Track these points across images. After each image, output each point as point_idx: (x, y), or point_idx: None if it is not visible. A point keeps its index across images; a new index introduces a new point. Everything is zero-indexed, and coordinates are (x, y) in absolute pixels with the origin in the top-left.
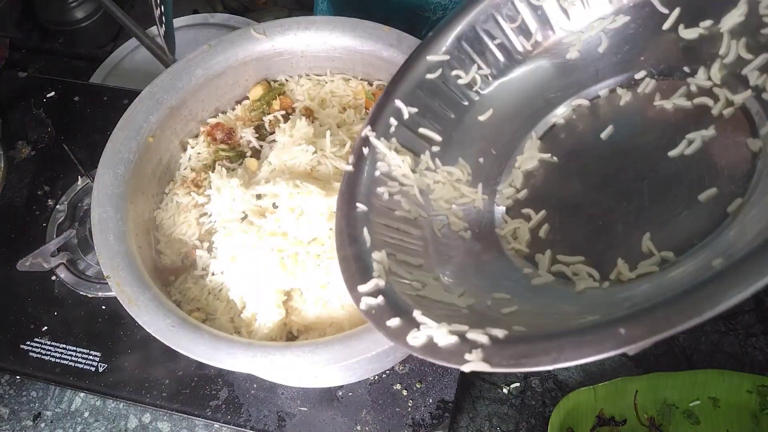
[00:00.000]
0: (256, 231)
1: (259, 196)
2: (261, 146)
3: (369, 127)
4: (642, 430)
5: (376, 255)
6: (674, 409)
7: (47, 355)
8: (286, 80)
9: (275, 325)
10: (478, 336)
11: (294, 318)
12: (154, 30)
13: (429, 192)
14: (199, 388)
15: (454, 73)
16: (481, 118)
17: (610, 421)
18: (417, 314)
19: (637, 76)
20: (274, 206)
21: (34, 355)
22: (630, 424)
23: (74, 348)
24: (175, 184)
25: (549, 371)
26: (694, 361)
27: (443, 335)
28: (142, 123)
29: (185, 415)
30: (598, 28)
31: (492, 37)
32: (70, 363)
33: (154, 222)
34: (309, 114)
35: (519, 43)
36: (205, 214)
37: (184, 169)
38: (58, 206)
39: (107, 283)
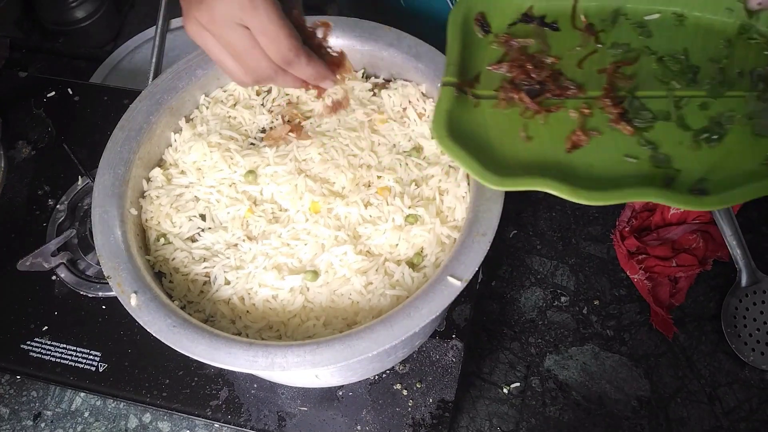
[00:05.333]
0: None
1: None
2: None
3: None
4: (572, 36)
5: None
6: (623, 18)
7: (47, 354)
8: None
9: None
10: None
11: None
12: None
13: None
14: (199, 388)
15: None
16: None
17: (537, 20)
18: None
19: None
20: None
21: (34, 355)
22: (561, 27)
23: (74, 348)
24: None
25: (549, 372)
26: (695, 361)
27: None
28: (142, 123)
29: (185, 415)
30: None
31: None
32: (71, 363)
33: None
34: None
35: None
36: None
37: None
38: (58, 206)
39: (107, 283)
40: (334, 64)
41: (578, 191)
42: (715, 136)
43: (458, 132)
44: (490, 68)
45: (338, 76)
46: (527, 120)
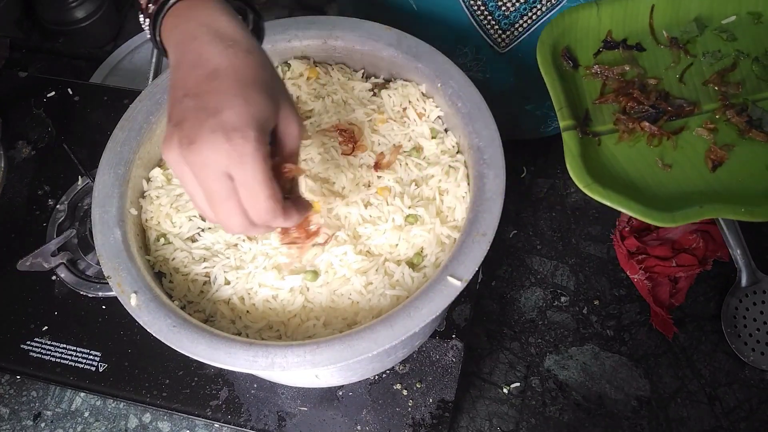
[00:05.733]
0: None
1: None
2: None
3: None
4: (661, 53)
5: None
6: (703, 26)
7: (47, 354)
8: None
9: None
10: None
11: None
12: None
13: None
14: (199, 388)
15: None
16: None
17: (621, 44)
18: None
19: None
20: None
21: (34, 355)
22: (646, 46)
23: (74, 348)
24: None
25: (549, 372)
26: (695, 361)
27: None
28: (142, 123)
29: (185, 415)
30: None
31: None
32: (70, 363)
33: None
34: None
35: None
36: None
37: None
38: (58, 206)
39: (107, 283)
40: (303, 207)
41: (753, 210)
42: None
43: (598, 175)
44: (596, 102)
45: (307, 217)
46: (657, 148)
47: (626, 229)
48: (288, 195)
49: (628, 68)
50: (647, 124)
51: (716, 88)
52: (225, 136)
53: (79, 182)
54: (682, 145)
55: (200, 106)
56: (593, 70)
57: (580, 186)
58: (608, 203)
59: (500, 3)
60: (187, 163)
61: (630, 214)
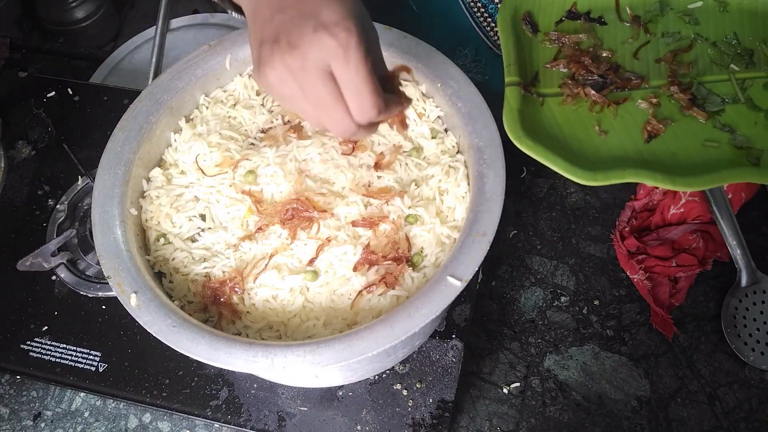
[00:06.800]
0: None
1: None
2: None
3: None
4: (621, 29)
5: None
6: (668, 8)
7: (47, 354)
8: None
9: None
10: None
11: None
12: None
13: None
14: (199, 388)
15: None
16: None
17: (584, 16)
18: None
19: None
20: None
21: (34, 355)
22: (608, 21)
23: (74, 348)
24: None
25: (549, 372)
26: (695, 361)
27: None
28: (142, 123)
29: (185, 415)
30: None
31: None
32: (70, 363)
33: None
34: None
35: None
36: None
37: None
38: (58, 206)
39: (107, 283)
40: (397, 102)
41: (674, 179)
42: None
43: (533, 132)
44: (548, 66)
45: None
46: (598, 114)
47: (626, 229)
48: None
49: (584, 37)
50: (592, 91)
51: (668, 65)
52: (328, 32)
53: (79, 182)
54: (623, 114)
55: (295, 15)
56: (551, 37)
57: (512, 138)
58: (535, 156)
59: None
60: (292, 73)
61: (554, 168)
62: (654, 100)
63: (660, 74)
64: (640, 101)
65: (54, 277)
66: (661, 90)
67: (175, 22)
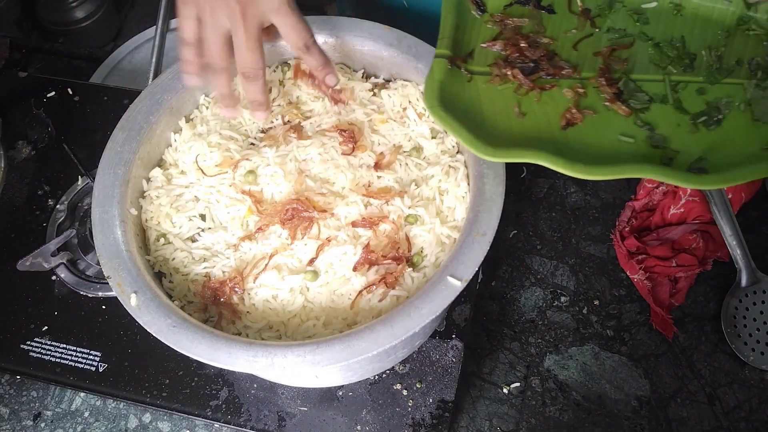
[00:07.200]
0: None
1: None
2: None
3: None
4: (568, 20)
5: None
6: (620, 5)
7: (47, 355)
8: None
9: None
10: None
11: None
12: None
13: None
14: (199, 388)
15: None
16: None
17: (533, 2)
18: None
19: None
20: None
21: (34, 355)
22: (557, 10)
23: (74, 348)
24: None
25: (549, 372)
26: (695, 361)
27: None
28: (142, 123)
29: (185, 415)
30: None
31: None
32: (70, 363)
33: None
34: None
35: None
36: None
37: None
38: (58, 206)
39: (107, 283)
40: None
41: (574, 165)
42: (713, 120)
43: (451, 104)
44: (484, 45)
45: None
46: (521, 97)
47: (626, 229)
48: None
49: (527, 21)
50: (519, 74)
51: (603, 59)
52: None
53: (79, 182)
54: (546, 100)
55: None
56: (495, 18)
57: (426, 106)
58: (443, 126)
59: None
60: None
61: (459, 140)
62: (580, 90)
63: (594, 67)
64: (566, 90)
65: (54, 277)
66: (589, 81)
67: (175, 22)
